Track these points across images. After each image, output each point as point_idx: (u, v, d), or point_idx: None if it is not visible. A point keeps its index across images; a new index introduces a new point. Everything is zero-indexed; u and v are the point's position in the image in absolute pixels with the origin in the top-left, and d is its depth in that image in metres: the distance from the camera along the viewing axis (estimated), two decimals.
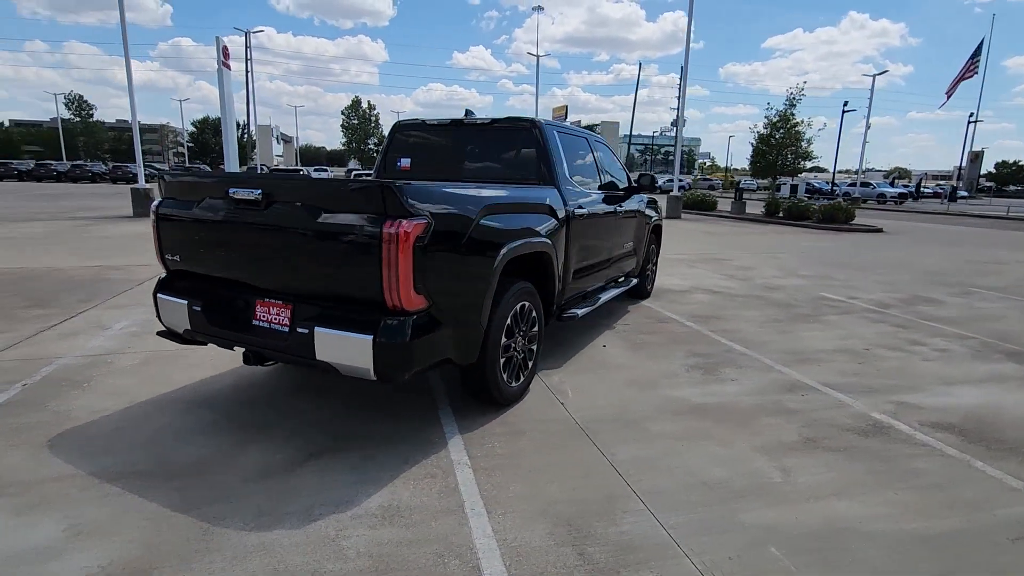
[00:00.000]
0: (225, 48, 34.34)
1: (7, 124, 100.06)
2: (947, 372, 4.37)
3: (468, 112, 4.43)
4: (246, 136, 48.56)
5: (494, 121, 4.28)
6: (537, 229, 3.58)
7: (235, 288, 2.98)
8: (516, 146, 4.19)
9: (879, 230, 17.36)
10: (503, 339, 3.26)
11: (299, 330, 2.65)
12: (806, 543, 2.25)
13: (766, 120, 27.13)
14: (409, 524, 2.31)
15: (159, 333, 3.28)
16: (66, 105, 70.26)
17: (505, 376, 3.36)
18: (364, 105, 69.00)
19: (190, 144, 73.31)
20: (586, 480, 2.69)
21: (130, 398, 3.49)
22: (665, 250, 10.99)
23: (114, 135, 77.67)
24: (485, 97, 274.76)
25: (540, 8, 47.39)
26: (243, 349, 2.93)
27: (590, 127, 67.37)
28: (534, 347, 3.71)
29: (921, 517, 2.46)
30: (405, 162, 4.62)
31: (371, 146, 69.08)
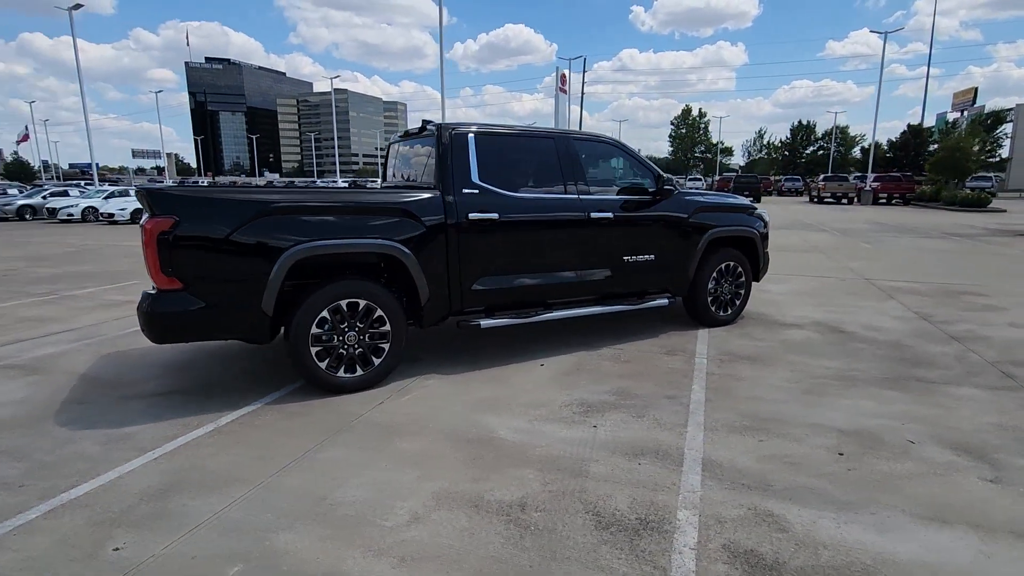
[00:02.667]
0: (563, 75, 39.31)
1: None
2: (972, 500, 2.46)
3: (425, 122, 4.67)
4: None
5: (421, 130, 4.44)
6: (382, 233, 3.71)
7: None
8: (431, 153, 4.26)
9: None
10: (314, 329, 3.58)
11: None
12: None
13: None
14: (114, 449, 3.03)
15: None
16: None
17: (324, 365, 3.66)
18: (695, 113, 68.03)
19: None
20: (255, 462, 2.88)
21: None
22: (907, 276, 8.04)
23: None
24: (865, 88, 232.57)
25: None
26: None
27: (995, 114, 50.39)
28: (385, 345, 3.84)
29: None
30: (390, 172, 5.17)
31: (696, 155, 67.61)
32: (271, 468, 2.83)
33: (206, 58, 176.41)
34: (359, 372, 3.79)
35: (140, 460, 2.91)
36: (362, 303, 3.71)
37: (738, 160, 70.29)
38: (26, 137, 61.76)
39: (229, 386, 3.93)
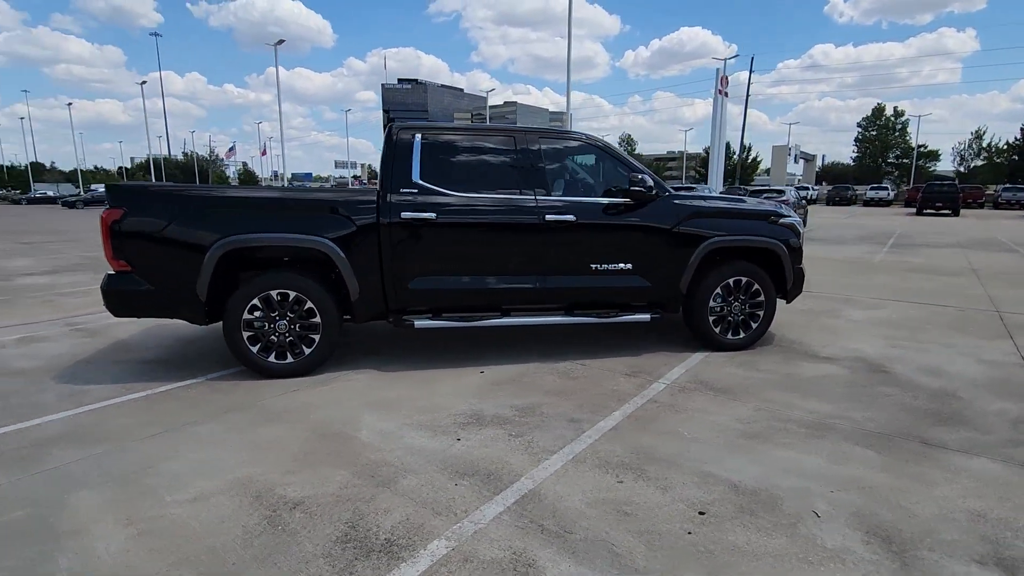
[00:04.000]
0: (724, 78, 37.24)
1: None
2: None
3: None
4: (737, 157, 49.71)
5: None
6: (310, 229, 3.87)
7: None
8: None
9: None
10: (245, 315, 3.87)
11: None
12: None
13: None
14: (63, 401, 3.60)
15: None
16: (619, 142, 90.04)
17: (256, 350, 3.93)
18: (888, 113, 58.59)
19: (700, 168, 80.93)
20: (141, 427, 3.21)
21: None
22: None
23: (651, 162, 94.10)
24: None
25: None
26: None
27: None
28: (315, 336, 3.99)
29: None
30: None
31: (890, 160, 58.15)
32: (145, 433, 3.13)
33: (398, 79, 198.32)
34: (288, 360, 3.99)
35: (68, 412, 3.41)
36: (292, 294, 3.91)
37: (947, 166, 58.84)
38: (263, 152, 76.04)
39: (203, 360, 4.41)
